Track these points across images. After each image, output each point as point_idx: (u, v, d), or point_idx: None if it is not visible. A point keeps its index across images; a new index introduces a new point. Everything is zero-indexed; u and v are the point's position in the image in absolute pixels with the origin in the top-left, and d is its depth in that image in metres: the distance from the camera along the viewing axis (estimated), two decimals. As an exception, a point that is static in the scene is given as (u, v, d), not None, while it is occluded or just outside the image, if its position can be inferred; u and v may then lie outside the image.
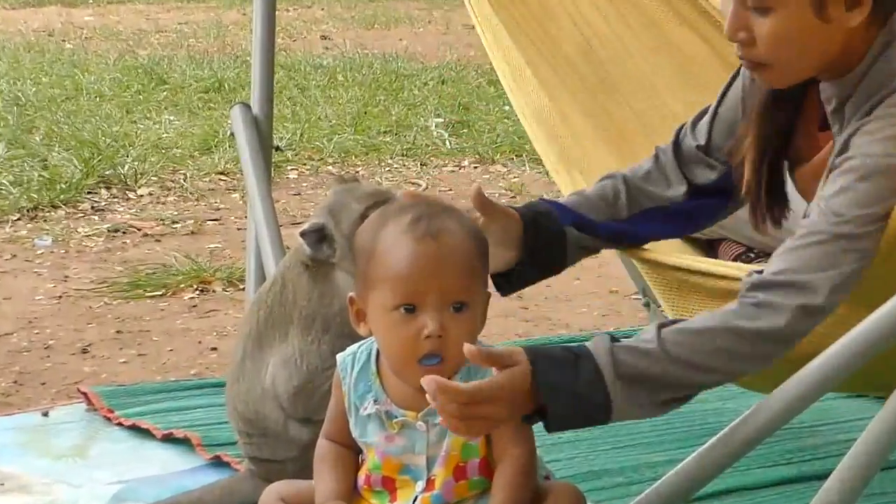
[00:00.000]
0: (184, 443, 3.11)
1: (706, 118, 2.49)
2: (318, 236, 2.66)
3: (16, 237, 5.01)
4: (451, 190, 5.81)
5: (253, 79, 3.40)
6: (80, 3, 11.72)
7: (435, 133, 6.64)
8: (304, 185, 5.88)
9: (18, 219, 5.21)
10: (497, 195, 5.65)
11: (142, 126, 6.64)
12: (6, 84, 7.47)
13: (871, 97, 2.16)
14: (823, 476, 2.12)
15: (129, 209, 5.42)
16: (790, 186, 2.41)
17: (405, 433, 2.10)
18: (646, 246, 2.53)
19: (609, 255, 3.14)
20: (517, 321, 4.14)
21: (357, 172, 5.91)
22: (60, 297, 4.39)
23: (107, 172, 5.71)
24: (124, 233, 5.11)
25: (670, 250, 2.61)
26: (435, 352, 2.02)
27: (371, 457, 2.13)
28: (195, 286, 4.44)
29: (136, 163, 5.84)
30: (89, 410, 3.32)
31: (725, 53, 3.05)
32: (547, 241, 2.41)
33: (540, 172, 5.96)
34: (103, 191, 5.60)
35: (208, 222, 5.29)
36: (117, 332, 4.05)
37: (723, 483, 2.74)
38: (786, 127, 2.36)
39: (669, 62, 3.15)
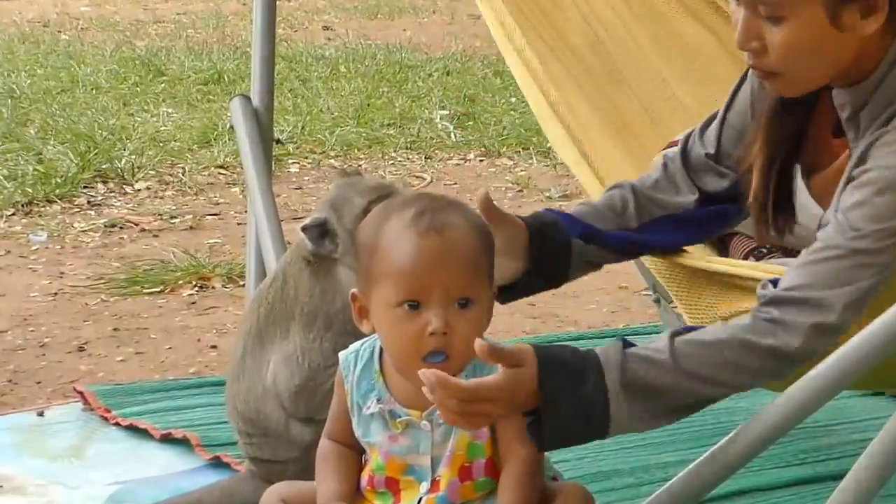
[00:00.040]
0: (183, 443, 3.11)
1: (714, 125, 2.45)
2: (320, 231, 2.66)
3: (10, 232, 4.99)
4: (456, 184, 5.79)
5: (253, 70, 3.39)
6: (75, -7, 11.71)
7: (440, 125, 6.62)
8: (306, 178, 5.87)
9: (13, 214, 5.19)
10: (503, 189, 5.64)
11: (139, 119, 6.62)
12: (0, 76, 7.44)
13: (888, 107, 2.15)
14: (839, 476, 2.11)
15: (126, 204, 5.40)
16: (804, 192, 2.38)
17: (409, 433, 2.10)
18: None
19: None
20: (524, 318, 4.11)
21: (360, 166, 5.90)
22: (56, 293, 4.37)
23: (103, 166, 5.68)
24: (121, 228, 5.10)
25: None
26: (440, 349, 2.02)
27: (374, 457, 2.13)
28: (194, 282, 4.43)
29: (133, 156, 5.82)
30: (86, 410, 3.31)
31: (733, 46, 3.03)
32: (552, 252, 2.38)
33: (547, 166, 5.95)
34: (100, 185, 5.58)
35: (207, 217, 5.27)
36: (114, 329, 4.03)
37: (735, 484, 2.72)
38: (796, 132, 2.34)
39: (677, 54, 3.15)
